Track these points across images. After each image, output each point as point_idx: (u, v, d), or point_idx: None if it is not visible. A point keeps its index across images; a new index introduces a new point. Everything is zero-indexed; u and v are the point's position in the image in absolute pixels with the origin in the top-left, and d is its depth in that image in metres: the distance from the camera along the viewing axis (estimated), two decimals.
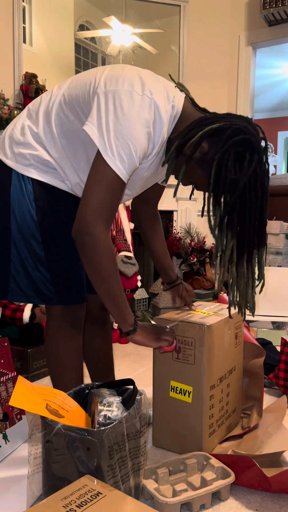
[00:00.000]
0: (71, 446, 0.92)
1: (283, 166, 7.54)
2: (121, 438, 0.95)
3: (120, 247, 2.74)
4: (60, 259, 1.19)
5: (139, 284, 2.79)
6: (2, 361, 1.35)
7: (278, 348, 2.21)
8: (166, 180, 1.17)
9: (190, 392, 1.27)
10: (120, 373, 2.02)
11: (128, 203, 2.89)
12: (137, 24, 3.57)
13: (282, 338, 1.77)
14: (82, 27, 3.51)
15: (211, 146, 1.06)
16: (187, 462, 1.16)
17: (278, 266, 3.07)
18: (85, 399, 1.14)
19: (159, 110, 1.03)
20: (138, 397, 1.03)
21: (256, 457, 1.16)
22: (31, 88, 2.96)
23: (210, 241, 3.38)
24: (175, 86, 1.13)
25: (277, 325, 2.69)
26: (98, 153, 1.01)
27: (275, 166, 5.76)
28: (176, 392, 1.30)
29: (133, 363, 2.20)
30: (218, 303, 1.55)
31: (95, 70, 1.12)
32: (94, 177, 1.02)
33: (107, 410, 1.00)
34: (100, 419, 0.98)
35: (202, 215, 1.30)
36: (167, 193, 2.84)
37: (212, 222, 1.07)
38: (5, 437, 1.30)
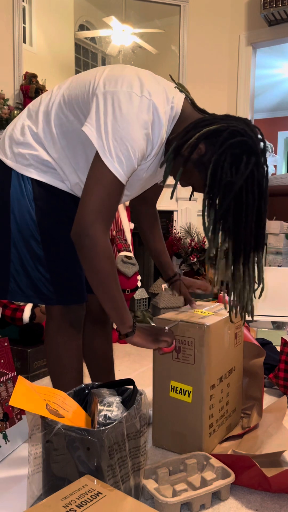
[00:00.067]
0: (71, 446, 0.92)
1: (283, 166, 7.54)
2: (121, 438, 0.95)
3: (120, 247, 2.74)
4: (60, 259, 1.19)
5: (139, 284, 2.79)
6: (2, 361, 1.35)
7: (278, 348, 2.21)
8: (163, 181, 1.17)
9: (190, 392, 1.27)
10: (120, 373, 2.02)
11: (128, 203, 2.89)
12: (137, 24, 3.57)
13: (282, 338, 1.77)
14: (82, 27, 3.51)
15: (208, 148, 1.05)
16: (187, 462, 1.16)
17: (278, 266, 3.07)
18: (85, 399, 1.14)
19: (158, 112, 1.03)
20: (138, 397, 1.03)
21: (256, 457, 1.16)
22: (31, 88, 2.96)
23: None
24: (175, 87, 1.12)
25: (277, 325, 2.69)
26: (97, 155, 1.01)
27: (275, 166, 5.76)
28: (176, 392, 1.30)
29: (133, 363, 2.20)
30: (218, 303, 1.55)
31: (95, 70, 1.12)
32: (93, 179, 1.02)
33: (107, 410, 1.00)
34: (100, 419, 0.98)
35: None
36: (167, 193, 2.84)
37: (206, 224, 1.07)
38: (5, 437, 1.30)
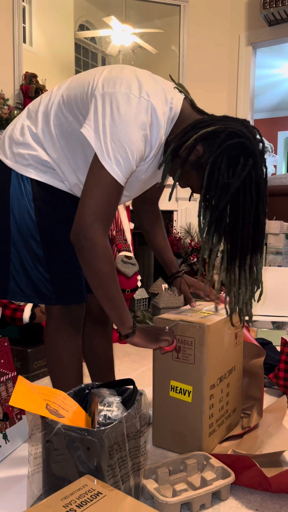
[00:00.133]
0: (71, 446, 0.92)
1: (283, 166, 7.54)
2: (121, 438, 0.95)
3: (120, 247, 2.74)
4: (59, 259, 1.19)
5: (139, 284, 2.79)
6: (2, 361, 1.35)
7: (278, 348, 2.21)
8: (161, 183, 1.16)
9: (190, 391, 1.27)
10: (120, 373, 2.02)
11: (128, 203, 2.89)
12: (137, 24, 3.57)
13: (282, 338, 1.77)
14: (82, 27, 3.51)
15: (206, 150, 1.05)
16: (187, 462, 1.16)
17: (278, 266, 3.07)
18: (85, 399, 1.14)
19: (156, 113, 1.03)
20: (138, 397, 1.03)
21: (256, 457, 1.16)
22: (31, 88, 2.96)
23: None
24: (174, 87, 1.12)
25: (277, 325, 2.69)
26: (95, 157, 1.02)
27: (275, 166, 5.76)
28: (176, 392, 1.30)
29: (133, 363, 2.20)
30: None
31: (94, 70, 1.12)
32: (91, 181, 1.02)
33: (107, 410, 1.00)
34: (100, 419, 0.98)
35: None
36: (167, 193, 2.85)
37: (202, 225, 1.06)
38: (5, 437, 1.30)
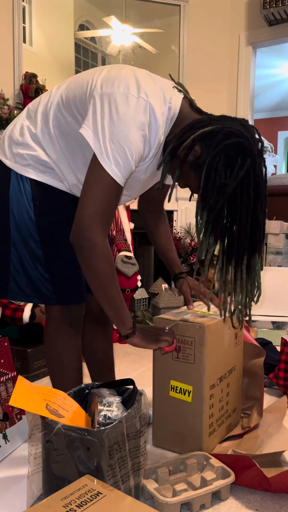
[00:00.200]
0: (71, 446, 0.92)
1: (283, 166, 7.54)
2: (121, 438, 0.95)
3: (120, 247, 2.74)
4: (59, 259, 1.19)
5: (139, 284, 2.79)
6: (2, 361, 1.35)
7: (278, 348, 2.21)
8: (161, 183, 1.15)
9: (190, 391, 1.27)
10: (120, 373, 2.02)
11: (129, 203, 2.89)
12: (137, 24, 3.57)
13: (282, 338, 1.77)
14: (82, 27, 3.51)
15: (204, 150, 1.04)
16: (187, 462, 1.16)
17: (278, 266, 3.07)
18: (85, 399, 1.14)
19: (155, 113, 1.02)
20: (138, 397, 1.03)
21: (256, 457, 1.16)
22: (31, 88, 2.96)
23: None
24: (173, 87, 1.12)
25: (277, 325, 2.69)
26: (94, 157, 1.01)
27: (275, 166, 5.76)
28: (176, 392, 1.30)
29: (133, 363, 2.20)
30: None
31: (93, 70, 1.12)
32: (90, 181, 1.02)
33: (107, 410, 1.00)
34: (100, 419, 0.98)
35: None
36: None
37: (199, 226, 1.05)
38: (5, 437, 1.30)
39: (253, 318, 2.59)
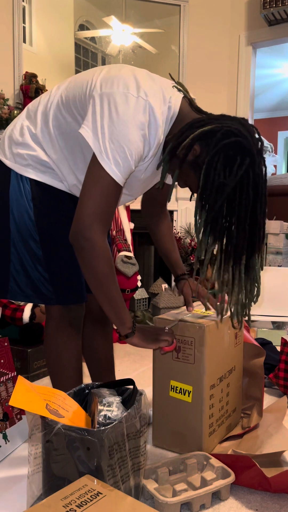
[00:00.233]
0: (71, 446, 0.92)
1: (283, 166, 7.54)
2: (121, 438, 0.95)
3: (120, 247, 2.74)
4: (59, 259, 1.19)
5: (139, 284, 2.79)
6: (2, 361, 1.35)
7: (278, 348, 2.21)
8: (161, 183, 1.15)
9: (190, 391, 1.27)
10: (120, 373, 2.02)
11: (129, 203, 2.89)
12: (137, 24, 3.57)
13: (282, 338, 1.77)
14: (82, 27, 3.51)
15: (203, 149, 1.04)
16: (187, 462, 1.16)
17: (278, 266, 3.07)
18: (85, 399, 1.14)
19: (154, 112, 1.02)
20: (138, 397, 1.03)
21: (256, 457, 1.16)
22: (31, 88, 2.96)
23: None
24: (173, 86, 1.11)
25: (277, 325, 2.69)
26: (94, 157, 1.01)
27: (275, 166, 5.76)
28: (176, 392, 1.30)
29: (133, 363, 2.20)
30: None
31: (93, 70, 1.12)
32: (90, 181, 1.02)
33: (107, 410, 1.00)
34: (100, 419, 0.98)
35: None
36: None
37: (198, 226, 1.05)
38: (5, 437, 1.30)
39: (253, 318, 2.59)
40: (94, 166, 1.01)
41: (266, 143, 4.57)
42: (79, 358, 1.28)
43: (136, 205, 2.98)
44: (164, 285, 3.10)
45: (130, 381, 1.13)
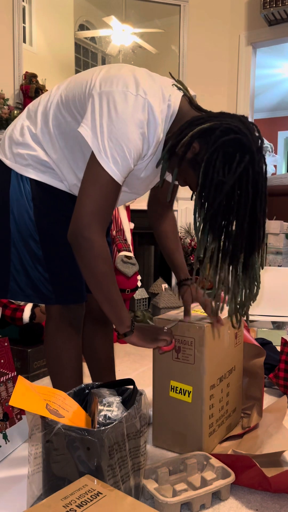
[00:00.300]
0: (71, 446, 0.92)
1: (283, 166, 7.54)
2: (121, 438, 0.95)
3: (120, 247, 2.74)
4: (58, 259, 1.19)
5: (139, 284, 2.79)
6: (2, 361, 1.35)
7: (278, 348, 2.21)
8: (160, 182, 1.15)
9: (190, 391, 1.27)
10: (120, 373, 2.02)
11: (128, 203, 2.89)
12: (137, 24, 3.57)
13: (282, 338, 1.77)
14: (82, 27, 3.51)
15: (202, 147, 1.03)
16: (187, 462, 1.16)
17: (278, 266, 3.07)
18: (85, 399, 1.14)
19: (153, 110, 1.02)
20: (138, 397, 1.03)
21: (256, 457, 1.16)
22: (31, 88, 2.96)
23: None
24: (173, 84, 1.11)
25: (277, 325, 2.69)
26: (92, 156, 1.01)
27: (275, 166, 5.76)
28: (176, 392, 1.30)
29: (133, 363, 2.20)
30: None
31: (92, 70, 1.12)
32: (88, 180, 1.02)
33: (107, 410, 0.99)
34: (100, 419, 0.98)
35: None
36: None
37: (197, 224, 1.04)
38: (5, 437, 1.30)
39: (253, 318, 2.59)
40: (93, 164, 1.01)
41: (266, 143, 4.57)
42: (79, 358, 1.28)
43: (136, 205, 2.98)
44: (164, 285, 3.10)
45: (130, 381, 1.13)
